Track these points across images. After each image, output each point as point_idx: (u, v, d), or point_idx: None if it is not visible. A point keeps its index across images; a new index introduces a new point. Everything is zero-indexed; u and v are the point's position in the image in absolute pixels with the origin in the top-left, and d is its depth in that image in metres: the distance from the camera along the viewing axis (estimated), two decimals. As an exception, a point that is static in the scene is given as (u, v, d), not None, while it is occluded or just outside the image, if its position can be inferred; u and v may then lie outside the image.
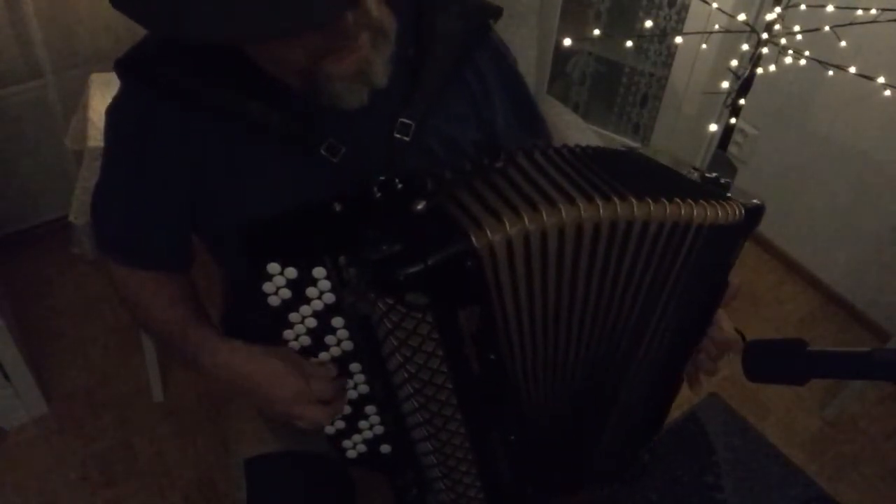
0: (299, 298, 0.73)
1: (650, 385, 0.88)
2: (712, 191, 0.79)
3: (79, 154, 1.70)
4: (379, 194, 0.72)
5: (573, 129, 2.05)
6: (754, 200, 0.81)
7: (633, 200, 0.70)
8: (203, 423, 1.85)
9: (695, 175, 0.84)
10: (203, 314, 0.91)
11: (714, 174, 0.83)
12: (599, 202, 0.69)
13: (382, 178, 0.73)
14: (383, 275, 0.66)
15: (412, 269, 0.64)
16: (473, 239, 0.65)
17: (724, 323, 0.89)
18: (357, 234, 0.68)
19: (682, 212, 0.73)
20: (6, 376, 1.71)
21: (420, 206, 0.69)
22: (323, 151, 0.78)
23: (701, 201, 0.74)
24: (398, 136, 0.82)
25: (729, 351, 0.89)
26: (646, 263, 0.74)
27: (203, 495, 1.70)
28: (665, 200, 0.72)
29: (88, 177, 1.62)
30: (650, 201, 0.71)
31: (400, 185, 0.72)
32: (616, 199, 0.70)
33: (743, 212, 0.77)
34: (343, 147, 0.78)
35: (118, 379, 1.93)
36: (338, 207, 0.71)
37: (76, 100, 1.79)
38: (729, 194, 0.81)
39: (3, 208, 2.15)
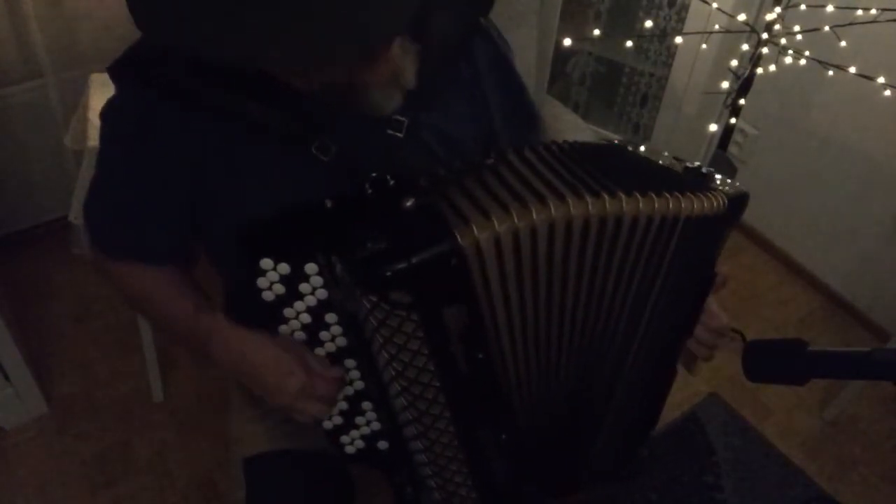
0: (293, 294, 0.74)
1: (644, 380, 0.88)
2: (695, 182, 0.80)
3: (79, 154, 1.69)
4: (371, 191, 0.72)
5: (572, 129, 2.05)
6: (731, 186, 0.81)
7: (622, 196, 0.70)
8: (203, 423, 1.85)
9: (677, 166, 0.84)
10: (208, 302, 0.90)
11: (696, 164, 0.84)
12: (588, 198, 0.69)
13: (375, 175, 0.73)
14: (367, 272, 0.66)
15: (396, 267, 0.64)
16: (458, 237, 0.65)
17: (716, 309, 0.90)
18: (347, 231, 0.68)
19: (670, 205, 0.73)
20: (6, 376, 1.71)
21: (409, 204, 0.69)
22: (314, 150, 0.78)
23: (688, 193, 0.75)
24: (390, 132, 0.82)
25: (723, 336, 0.89)
26: (635, 258, 0.75)
27: (203, 495, 1.70)
28: (653, 195, 0.72)
29: (88, 177, 1.61)
30: (638, 196, 0.71)
31: (392, 183, 0.73)
32: (605, 195, 0.70)
33: (726, 202, 0.77)
34: (333, 146, 0.78)
35: (118, 379, 1.93)
36: (329, 204, 0.71)
37: (76, 100, 1.78)
38: (718, 179, 0.81)
39: (3, 208, 2.15)
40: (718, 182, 0.82)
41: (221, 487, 1.71)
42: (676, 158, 0.86)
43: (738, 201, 0.80)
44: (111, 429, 1.82)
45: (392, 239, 0.65)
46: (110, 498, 1.68)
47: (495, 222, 0.66)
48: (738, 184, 0.82)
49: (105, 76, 1.71)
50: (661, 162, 0.85)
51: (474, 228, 0.66)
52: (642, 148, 0.89)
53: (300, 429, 0.98)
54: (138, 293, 0.91)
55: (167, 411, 1.87)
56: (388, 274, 0.64)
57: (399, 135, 0.82)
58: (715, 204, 0.76)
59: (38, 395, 1.80)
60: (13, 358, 1.69)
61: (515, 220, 0.67)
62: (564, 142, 0.81)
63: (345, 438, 0.85)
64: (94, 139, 1.58)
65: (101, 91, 1.69)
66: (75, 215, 1.68)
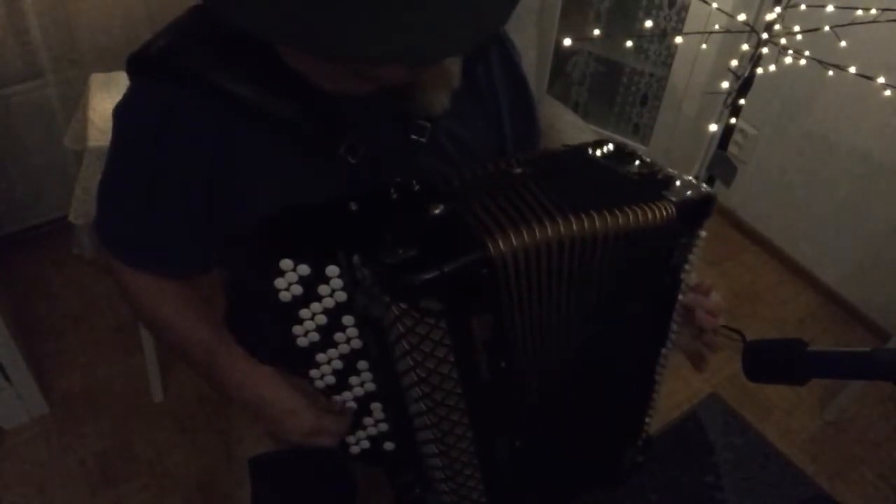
0: (311, 295, 0.73)
1: (624, 386, 0.89)
2: (648, 190, 0.79)
3: (79, 154, 1.70)
4: (396, 196, 0.73)
5: (573, 129, 2.05)
6: (693, 190, 0.79)
7: (595, 215, 0.73)
8: (203, 423, 1.85)
9: (634, 171, 0.83)
10: (220, 324, 0.90)
11: (655, 167, 0.83)
12: (596, 216, 0.73)
13: (399, 179, 0.73)
14: (399, 279, 0.66)
15: (428, 275, 0.64)
16: (490, 247, 0.67)
17: (712, 292, 0.89)
18: (373, 235, 0.68)
19: (631, 220, 0.74)
20: (6, 376, 1.71)
21: (438, 210, 0.70)
22: (342, 152, 0.77)
23: (644, 206, 0.75)
24: (414, 137, 0.82)
25: (717, 317, 0.88)
26: (609, 271, 0.76)
27: (203, 495, 1.70)
28: (618, 212, 0.74)
29: (88, 177, 1.62)
30: (607, 214, 0.74)
31: (417, 188, 0.73)
32: (584, 216, 0.73)
33: (673, 211, 0.76)
34: (362, 148, 0.78)
35: (118, 379, 1.93)
36: (354, 207, 0.71)
37: (76, 100, 1.79)
38: (678, 182, 0.81)
39: (3, 208, 2.15)
40: (680, 184, 0.81)
41: (221, 487, 1.71)
42: (641, 159, 0.85)
43: (692, 208, 0.79)
44: (111, 429, 1.82)
45: (422, 246, 0.66)
46: (110, 498, 1.68)
47: (514, 236, 0.68)
48: (701, 186, 0.81)
49: (105, 76, 1.73)
50: (624, 167, 0.85)
51: (501, 239, 0.68)
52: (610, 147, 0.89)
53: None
54: (156, 313, 0.89)
55: (167, 411, 1.87)
56: (421, 282, 0.64)
57: (423, 139, 0.82)
58: (661, 214, 0.76)
59: (38, 395, 1.80)
60: (13, 358, 1.69)
61: (538, 233, 0.69)
62: (544, 150, 0.84)
63: (350, 438, 0.85)
64: (94, 139, 1.58)
65: (101, 91, 1.70)
66: (75, 215, 1.68)
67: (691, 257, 0.83)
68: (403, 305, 0.67)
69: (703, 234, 0.83)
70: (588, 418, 0.88)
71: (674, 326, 0.86)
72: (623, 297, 0.80)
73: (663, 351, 0.88)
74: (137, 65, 0.77)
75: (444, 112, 0.80)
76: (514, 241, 0.68)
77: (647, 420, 0.92)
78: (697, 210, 0.80)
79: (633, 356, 0.86)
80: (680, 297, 0.84)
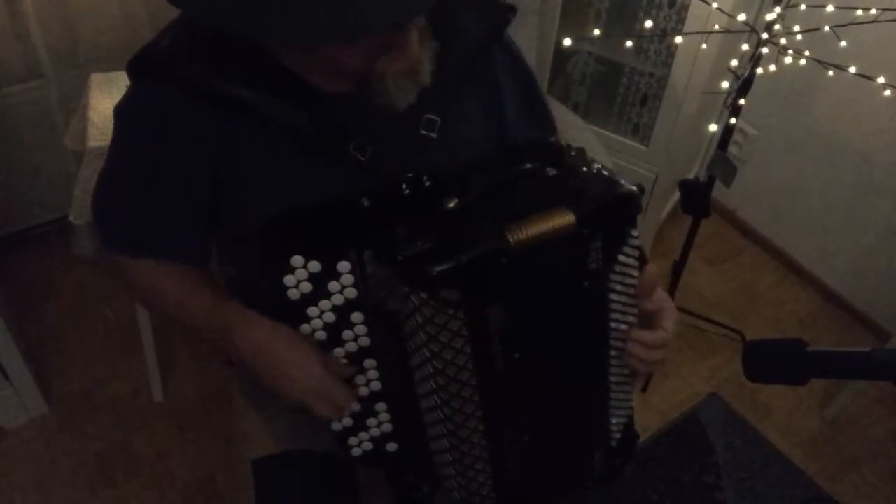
0: (320, 292, 0.73)
1: (582, 385, 0.88)
2: (558, 195, 0.77)
3: (79, 154, 1.69)
4: (408, 191, 0.73)
5: (573, 130, 2.05)
6: (602, 195, 0.78)
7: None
8: (203, 423, 1.85)
9: (552, 173, 0.82)
10: (221, 289, 0.89)
11: (576, 169, 0.82)
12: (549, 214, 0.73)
13: (410, 175, 0.74)
14: (418, 269, 0.67)
15: (448, 265, 0.66)
16: (509, 238, 0.68)
17: (667, 323, 0.87)
18: (385, 230, 0.69)
19: (526, 234, 0.74)
20: (6, 376, 1.71)
21: (452, 204, 0.71)
22: (352, 150, 0.77)
23: (540, 216, 0.74)
24: (425, 132, 0.82)
25: (662, 350, 0.86)
26: (531, 278, 0.76)
27: (203, 495, 1.70)
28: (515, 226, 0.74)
29: (88, 177, 1.62)
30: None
31: (428, 183, 0.74)
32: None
33: (572, 220, 0.74)
34: (370, 146, 0.78)
35: (118, 379, 1.93)
36: (366, 202, 0.72)
37: (76, 100, 1.78)
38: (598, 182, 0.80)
39: (3, 208, 2.15)
40: (595, 186, 0.79)
41: (221, 487, 1.71)
42: (569, 155, 0.84)
43: (595, 212, 0.76)
44: (111, 429, 1.82)
45: (440, 237, 0.67)
46: (110, 498, 1.68)
47: (533, 226, 0.70)
48: (621, 187, 0.78)
49: (105, 76, 1.73)
50: (545, 170, 0.83)
51: (515, 230, 0.69)
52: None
53: (307, 430, 0.98)
54: (155, 290, 0.89)
55: (167, 411, 1.87)
56: (440, 271, 0.66)
57: (433, 135, 0.82)
58: (559, 223, 0.74)
59: (37, 395, 1.80)
60: (13, 358, 1.69)
61: (544, 226, 0.70)
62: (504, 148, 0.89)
63: (353, 440, 0.85)
64: (94, 139, 1.58)
65: (101, 91, 1.69)
66: (75, 215, 1.67)
67: (622, 258, 0.80)
68: (424, 295, 0.68)
69: (634, 233, 0.80)
70: (562, 414, 0.88)
71: (622, 327, 0.84)
72: (561, 302, 0.79)
73: (613, 353, 0.86)
74: (138, 68, 0.77)
75: (412, 105, 0.79)
76: (530, 230, 0.69)
77: (613, 421, 0.91)
78: (605, 214, 0.78)
79: (584, 357, 0.85)
80: (623, 298, 0.82)
